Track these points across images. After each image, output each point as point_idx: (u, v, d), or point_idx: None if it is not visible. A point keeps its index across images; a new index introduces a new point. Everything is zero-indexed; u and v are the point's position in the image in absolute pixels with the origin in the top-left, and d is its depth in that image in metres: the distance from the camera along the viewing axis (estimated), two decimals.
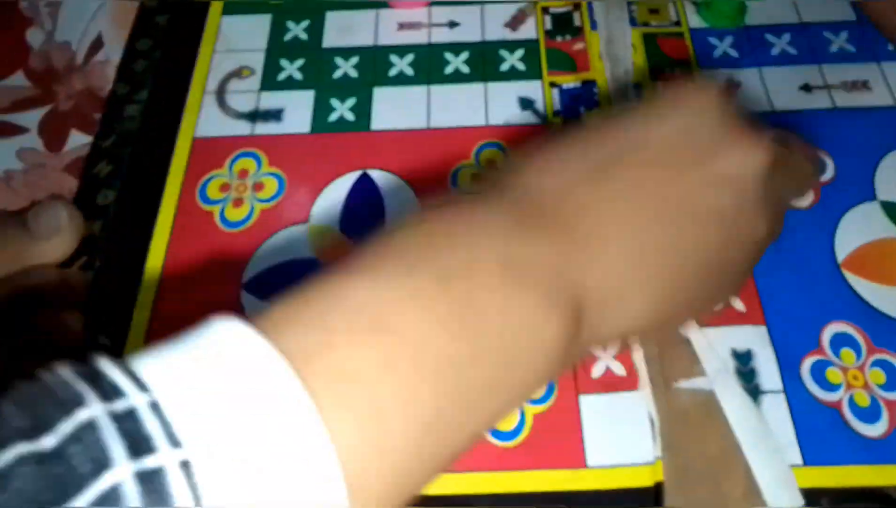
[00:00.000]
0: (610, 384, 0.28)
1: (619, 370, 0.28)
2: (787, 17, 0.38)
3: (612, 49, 0.37)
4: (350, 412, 0.14)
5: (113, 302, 0.31)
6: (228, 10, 0.41)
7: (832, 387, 0.27)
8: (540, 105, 0.36)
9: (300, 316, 0.16)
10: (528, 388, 0.18)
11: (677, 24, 0.38)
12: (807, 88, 0.35)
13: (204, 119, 0.36)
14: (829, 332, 0.28)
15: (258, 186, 0.34)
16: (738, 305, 0.29)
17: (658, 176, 0.21)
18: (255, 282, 0.31)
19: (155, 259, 0.32)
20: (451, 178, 0.34)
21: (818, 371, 0.28)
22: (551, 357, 0.18)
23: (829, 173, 0.33)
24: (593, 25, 0.38)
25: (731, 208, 0.21)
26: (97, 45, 0.40)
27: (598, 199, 0.20)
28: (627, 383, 0.28)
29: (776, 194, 0.22)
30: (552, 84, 0.37)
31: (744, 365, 0.28)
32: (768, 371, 0.28)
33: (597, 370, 0.28)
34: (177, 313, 0.30)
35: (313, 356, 0.14)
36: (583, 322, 0.19)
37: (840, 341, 0.28)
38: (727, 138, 0.21)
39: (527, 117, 0.36)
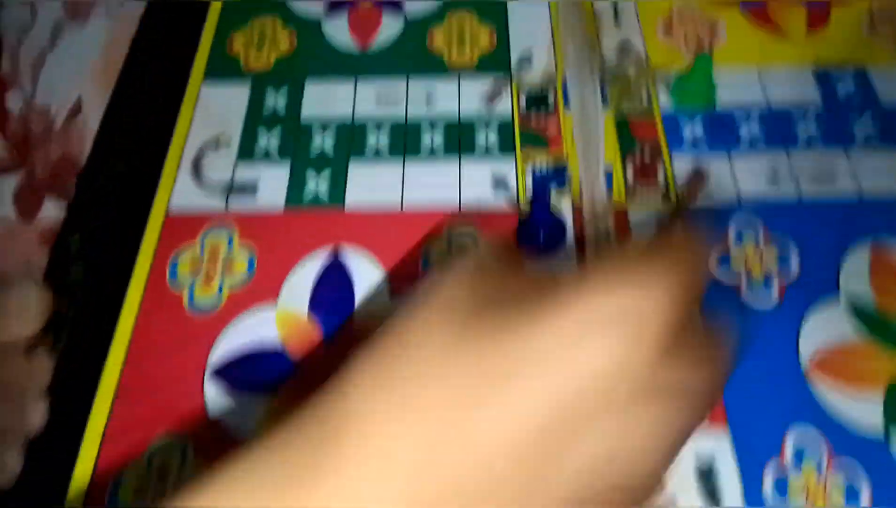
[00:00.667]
0: None
1: None
2: (756, 102, 0.39)
3: (584, 131, 0.38)
4: None
5: (75, 387, 0.31)
6: (209, 75, 0.41)
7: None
8: (512, 187, 0.36)
9: None
10: None
11: (648, 106, 0.39)
12: (774, 176, 0.36)
13: (178, 191, 0.36)
14: (791, 440, 0.29)
15: (228, 265, 0.34)
16: None
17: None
18: (220, 372, 0.31)
19: (120, 343, 0.32)
20: (422, 258, 0.34)
21: (780, 486, 0.28)
22: None
23: (794, 270, 0.33)
24: (567, 105, 0.39)
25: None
26: (76, 109, 0.40)
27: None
28: None
29: None
30: (525, 165, 0.37)
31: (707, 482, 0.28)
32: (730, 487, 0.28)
33: None
34: (138, 404, 0.30)
35: None
36: None
37: (802, 449, 0.28)
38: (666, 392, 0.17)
39: (499, 199, 0.36)
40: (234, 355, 0.31)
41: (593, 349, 0.17)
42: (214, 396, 0.30)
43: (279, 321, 0.32)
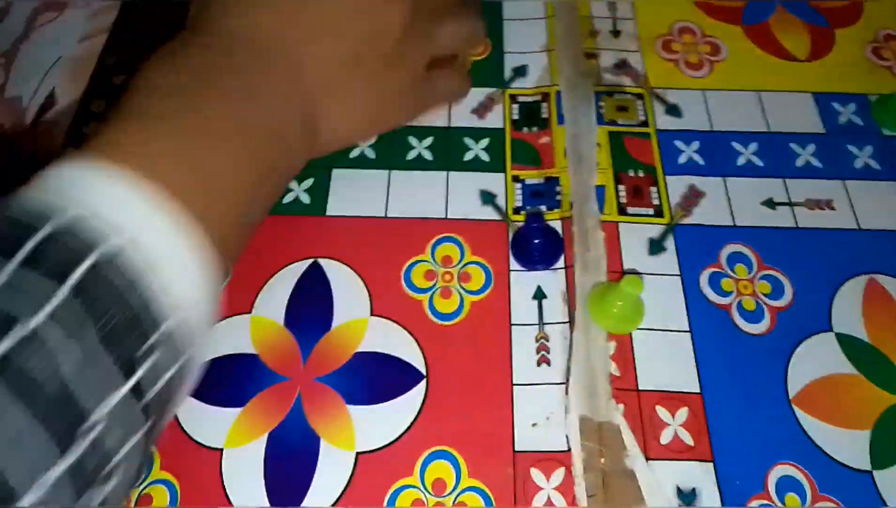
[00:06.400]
0: None
1: (559, 502, 0.27)
2: (755, 125, 0.38)
3: (577, 145, 0.37)
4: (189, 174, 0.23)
5: None
6: None
7: None
8: (501, 200, 0.35)
9: (147, 141, 0.23)
10: (289, 171, 0.29)
11: (644, 123, 0.38)
12: (770, 203, 0.35)
13: None
14: (775, 474, 0.28)
15: None
16: (687, 437, 0.28)
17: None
18: None
19: None
20: (403, 273, 0.33)
21: None
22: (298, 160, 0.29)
23: (787, 298, 0.32)
24: (560, 119, 0.38)
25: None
26: (49, 102, 0.38)
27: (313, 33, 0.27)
28: None
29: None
30: (515, 178, 0.36)
31: (688, 505, 0.27)
32: None
33: (538, 500, 0.27)
34: None
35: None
36: (317, 134, 0.29)
37: (786, 484, 0.27)
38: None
39: (487, 212, 0.35)
40: (206, 361, 0.30)
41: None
42: (186, 408, 0.29)
43: (254, 329, 0.31)
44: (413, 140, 0.37)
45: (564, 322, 0.31)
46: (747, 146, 0.37)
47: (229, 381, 0.30)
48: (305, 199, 0.35)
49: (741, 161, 0.36)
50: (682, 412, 0.29)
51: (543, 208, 0.35)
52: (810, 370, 0.30)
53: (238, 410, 0.29)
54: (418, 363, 0.30)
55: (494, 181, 0.36)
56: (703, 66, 0.40)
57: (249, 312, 0.31)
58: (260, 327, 0.31)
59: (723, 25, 0.42)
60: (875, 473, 0.28)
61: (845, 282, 0.32)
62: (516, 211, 0.35)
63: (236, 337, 0.31)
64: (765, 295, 0.32)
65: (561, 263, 0.33)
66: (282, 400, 0.29)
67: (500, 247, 0.34)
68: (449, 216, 0.35)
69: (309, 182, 0.35)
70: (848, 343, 0.31)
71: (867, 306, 0.32)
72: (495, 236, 0.34)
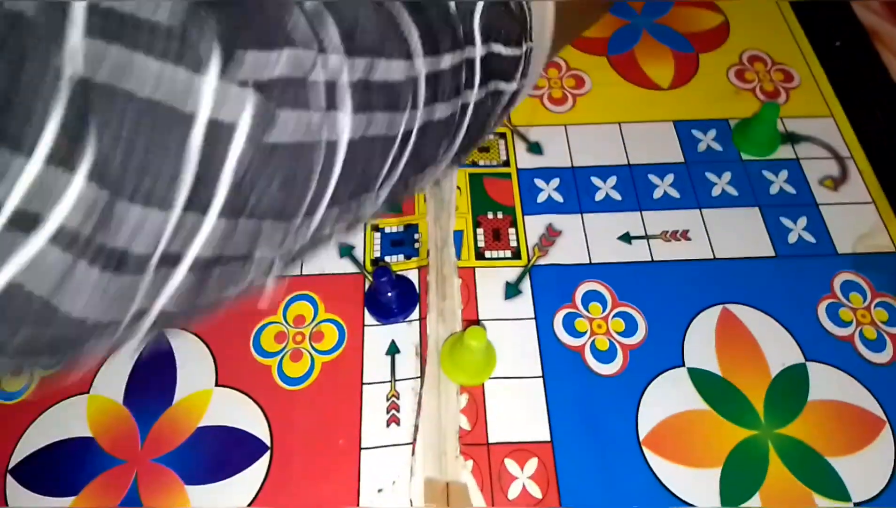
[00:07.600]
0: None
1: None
2: (615, 158, 0.38)
3: (437, 191, 0.36)
4: None
5: None
6: None
7: None
8: (359, 251, 0.34)
9: None
10: None
11: (507, 163, 0.38)
12: (626, 237, 0.35)
13: None
14: None
15: None
16: (535, 490, 0.28)
17: None
18: (21, 467, 0.28)
19: None
20: (253, 338, 0.32)
21: None
22: None
23: (640, 335, 0.32)
24: None
25: None
26: None
27: None
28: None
29: None
30: (374, 227, 0.35)
31: None
32: None
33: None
34: None
35: None
36: None
37: None
38: None
39: (344, 265, 0.34)
40: (39, 448, 0.29)
41: None
42: (16, 496, 0.27)
43: (90, 410, 0.30)
44: None
45: (417, 378, 0.31)
46: (606, 180, 0.37)
47: (63, 468, 0.28)
48: None
49: (599, 196, 0.36)
50: (532, 464, 0.28)
51: (399, 257, 0.34)
52: (662, 408, 0.30)
53: (71, 499, 0.28)
54: (263, 433, 0.29)
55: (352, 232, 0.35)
56: (566, 100, 0.40)
57: (87, 392, 0.30)
58: (97, 407, 0.30)
59: (588, 57, 0.43)
60: None
61: (699, 314, 0.32)
62: (374, 262, 0.34)
63: (72, 420, 0.29)
64: (618, 333, 0.32)
65: (416, 314, 0.32)
66: (117, 486, 0.28)
67: (357, 301, 0.33)
68: (304, 272, 0.34)
69: None
70: (700, 378, 0.31)
71: (720, 337, 0.32)
72: (352, 290, 0.33)
